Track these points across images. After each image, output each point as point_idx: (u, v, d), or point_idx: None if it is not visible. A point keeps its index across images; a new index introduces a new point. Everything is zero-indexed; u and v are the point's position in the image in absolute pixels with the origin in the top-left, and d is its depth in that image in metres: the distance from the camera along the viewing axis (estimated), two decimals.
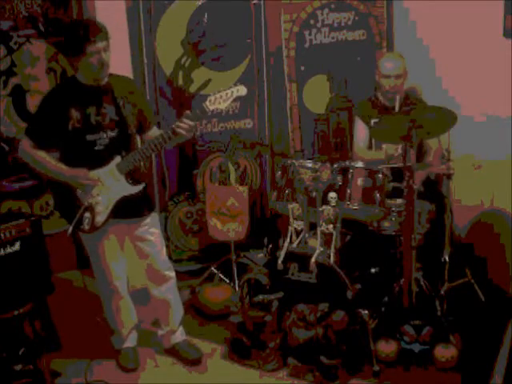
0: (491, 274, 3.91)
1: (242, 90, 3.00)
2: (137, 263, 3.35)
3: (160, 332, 3.52)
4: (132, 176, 3.11)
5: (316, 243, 3.49)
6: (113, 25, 3.51)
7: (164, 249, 3.37)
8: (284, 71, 4.37)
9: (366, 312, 3.28)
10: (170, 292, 3.41)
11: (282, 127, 4.45)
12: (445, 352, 3.22)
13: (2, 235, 3.11)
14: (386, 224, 3.65)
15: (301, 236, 3.57)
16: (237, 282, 4.00)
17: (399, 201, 3.61)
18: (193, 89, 4.14)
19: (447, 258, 3.62)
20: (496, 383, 2.81)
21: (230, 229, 4.07)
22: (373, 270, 3.75)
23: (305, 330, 3.28)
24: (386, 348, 3.27)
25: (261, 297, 3.46)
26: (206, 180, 4.30)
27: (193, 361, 3.43)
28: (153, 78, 4.05)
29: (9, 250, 3.13)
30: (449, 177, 3.56)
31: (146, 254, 3.29)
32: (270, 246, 3.97)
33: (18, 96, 4.13)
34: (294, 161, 3.66)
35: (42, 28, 4.09)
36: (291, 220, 3.57)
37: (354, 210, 3.52)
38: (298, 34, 4.35)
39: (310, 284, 3.44)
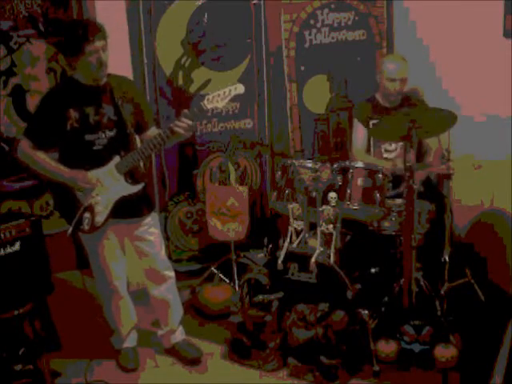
0: (491, 273, 3.91)
1: (239, 89, 2.99)
2: (136, 263, 3.35)
3: (160, 332, 3.52)
4: (131, 176, 3.10)
5: (316, 243, 3.49)
6: (113, 25, 3.52)
7: (163, 249, 3.37)
8: (284, 71, 4.37)
9: (366, 312, 3.28)
10: (169, 292, 3.41)
11: (281, 127, 4.45)
12: (445, 352, 3.22)
13: (2, 235, 3.10)
14: (386, 224, 3.65)
15: (301, 236, 3.56)
16: (237, 281, 4.00)
17: (399, 201, 3.61)
18: (193, 89, 4.14)
19: (447, 258, 3.62)
20: (496, 383, 2.81)
21: (230, 229, 4.07)
22: (373, 270, 3.75)
23: (305, 330, 3.28)
24: (386, 348, 3.27)
25: (261, 297, 3.46)
26: (206, 180, 4.30)
27: (193, 360, 3.44)
28: (153, 78, 4.05)
29: (9, 249, 3.13)
30: (449, 177, 3.56)
31: (146, 254, 3.29)
32: (270, 245, 3.96)
33: (18, 96, 4.13)
34: (294, 161, 3.65)
35: (41, 28, 4.09)
36: (291, 220, 3.57)
37: (354, 210, 3.52)
38: (298, 34, 4.35)
39: (309, 284, 3.43)
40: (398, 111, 3.77)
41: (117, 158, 3.05)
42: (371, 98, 4.10)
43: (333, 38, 4.42)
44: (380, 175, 3.51)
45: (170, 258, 4.14)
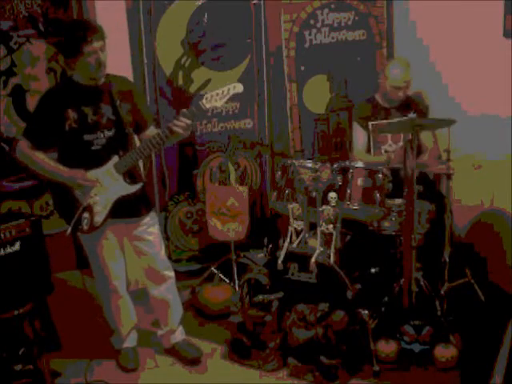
0: (491, 273, 3.91)
1: (238, 88, 2.99)
2: (136, 261, 3.35)
3: (159, 332, 3.52)
4: (130, 176, 3.10)
5: (316, 243, 3.49)
6: (113, 25, 3.53)
7: (163, 248, 3.37)
8: (284, 71, 4.37)
9: (366, 312, 3.28)
10: (169, 292, 3.41)
11: (281, 127, 4.45)
12: (445, 352, 3.22)
13: (2, 235, 3.10)
14: (386, 224, 3.65)
15: (301, 236, 3.56)
16: (237, 281, 4.00)
17: (399, 201, 3.61)
18: (193, 89, 4.14)
19: (447, 258, 3.62)
20: (496, 383, 2.81)
21: (230, 229, 4.07)
22: (373, 270, 3.75)
23: (305, 330, 3.28)
24: (386, 348, 3.27)
25: (261, 297, 3.46)
26: (206, 180, 4.30)
27: (193, 360, 3.44)
28: (153, 78, 4.05)
29: (9, 249, 3.13)
30: (449, 177, 3.56)
31: (145, 254, 3.29)
32: (270, 245, 3.96)
33: (18, 96, 4.13)
34: (294, 161, 3.65)
35: (41, 28, 4.09)
36: (291, 220, 3.57)
37: (354, 210, 3.52)
38: (298, 34, 4.35)
39: (309, 284, 3.43)
40: (405, 119, 3.79)
41: (115, 158, 3.05)
42: (371, 99, 4.10)
43: (333, 38, 4.42)
44: (380, 175, 3.51)
45: (169, 258, 4.14)
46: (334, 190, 3.51)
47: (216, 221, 4.09)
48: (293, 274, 3.51)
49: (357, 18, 4.44)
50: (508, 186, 3.69)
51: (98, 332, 3.58)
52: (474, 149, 3.75)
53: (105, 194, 3.07)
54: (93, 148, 3.04)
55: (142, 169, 3.26)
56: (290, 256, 3.53)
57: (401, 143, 3.97)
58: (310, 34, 4.37)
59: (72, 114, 2.99)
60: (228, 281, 4.07)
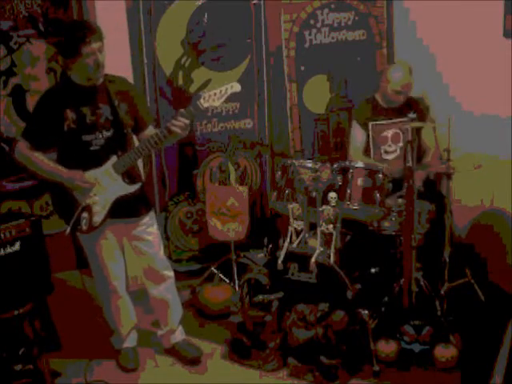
0: (491, 274, 3.91)
1: (236, 87, 2.99)
2: (135, 261, 3.35)
3: (159, 332, 3.52)
4: (129, 176, 3.10)
5: (316, 243, 3.49)
6: (113, 25, 3.54)
7: (162, 248, 3.37)
8: (284, 71, 4.37)
9: (366, 312, 3.28)
10: (168, 292, 3.41)
11: (281, 127, 4.45)
12: (445, 352, 3.22)
13: (2, 235, 3.11)
14: (386, 224, 3.65)
15: (301, 236, 3.56)
16: (237, 281, 4.00)
17: (399, 201, 3.61)
18: (193, 89, 4.14)
19: (447, 258, 3.62)
20: (496, 383, 2.81)
21: (229, 229, 4.07)
22: (373, 270, 3.75)
23: (305, 330, 3.28)
24: (386, 348, 3.27)
25: (261, 297, 3.46)
26: (206, 180, 4.30)
27: (193, 359, 3.44)
28: (153, 78, 4.05)
29: (9, 249, 3.13)
30: (449, 177, 3.56)
31: (144, 254, 3.29)
32: (270, 245, 3.97)
33: (18, 96, 4.13)
34: (294, 161, 3.65)
35: (41, 28, 4.09)
36: (291, 220, 3.57)
37: (354, 210, 3.52)
38: (298, 34, 4.35)
39: (309, 284, 3.43)
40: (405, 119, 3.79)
41: (114, 158, 3.05)
42: (371, 99, 4.10)
43: (333, 38, 4.42)
44: (380, 175, 3.52)
45: (170, 258, 4.15)
46: (334, 190, 3.51)
47: (216, 221, 4.09)
48: (293, 274, 3.51)
49: (357, 18, 4.44)
50: (508, 186, 3.69)
51: (97, 332, 3.58)
52: (474, 149, 3.75)
53: (104, 194, 3.07)
54: (91, 148, 3.04)
55: (141, 169, 3.26)
56: (290, 256, 3.54)
57: (401, 144, 3.97)
58: (309, 34, 4.37)
59: (70, 115, 2.99)
60: (228, 281, 4.07)
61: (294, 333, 3.30)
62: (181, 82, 4.12)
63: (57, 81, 4.14)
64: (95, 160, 3.05)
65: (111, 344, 3.52)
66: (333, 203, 3.50)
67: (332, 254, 3.47)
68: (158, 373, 3.43)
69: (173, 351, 3.50)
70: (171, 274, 3.42)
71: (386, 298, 3.51)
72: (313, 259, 3.43)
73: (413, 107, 3.90)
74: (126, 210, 3.13)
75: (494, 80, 3.72)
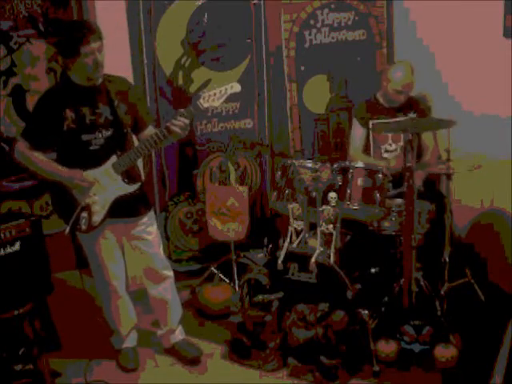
0: (491, 274, 3.91)
1: (235, 87, 2.99)
2: (135, 260, 3.35)
3: (159, 332, 3.52)
4: (128, 175, 3.10)
5: (316, 243, 3.49)
6: (113, 25, 3.54)
7: (161, 248, 3.37)
8: (284, 71, 4.37)
9: (366, 312, 3.28)
10: (168, 291, 3.41)
11: (282, 127, 4.45)
12: (445, 352, 3.22)
13: (2, 235, 3.10)
14: (386, 224, 3.65)
15: (301, 236, 3.56)
16: (237, 282, 4.00)
17: (399, 201, 3.61)
18: (193, 89, 4.14)
19: (447, 258, 3.62)
20: (496, 383, 2.81)
21: (229, 229, 4.07)
22: (373, 270, 3.75)
23: (305, 330, 3.28)
24: (386, 348, 3.27)
25: (261, 297, 3.46)
26: (206, 180, 4.30)
27: (192, 359, 3.43)
28: (153, 78, 4.05)
29: (9, 250, 3.13)
30: (449, 177, 3.56)
31: (144, 253, 3.29)
32: (270, 245, 3.97)
33: (18, 96, 4.13)
34: (294, 161, 3.65)
35: (41, 28, 4.09)
36: (291, 220, 3.57)
37: (354, 209, 3.52)
38: (298, 34, 4.35)
39: (309, 284, 3.43)
40: (405, 118, 3.80)
41: (114, 158, 3.05)
42: (371, 98, 4.10)
43: (333, 38, 4.42)
44: (380, 175, 3.52)
45: (169, 258, 4.15)
46: (334, 190, 3.51)
47: (216, 221, 4.09)
48: (293, 274, 3.51)
49: (357, 18, 4.44)
50: (508, 186, 3.69)
51: (97, 332, 3.58)
52: (474, 149, 3.75)
53: (103, 194, 3.07)
54: (91, 148, 3.05)
55: (141, 169, 3.26)
56: (290, 256, 3.54)
57: (401, 143, 3.97)
58: (310, 34, 4.37)
59: (70, 114, 2.99)
60: (228, 281, 4.07)
61: (294, 333, 3.30)
62: (181, 81, 4.12)
63: (57, 81, 4.13)
64: (95, 160, 3.05)
65: (111, 344, 3.52)
66: (333, 203, 3.50)
67: (332, 254, 3.47)
68: (158, 373, 3.42)
69: (173, 351, 3.50)
70: (171, 273, 3.42)
71: (386, 298, 3.50)
72: (313, 259, 3.43)
73: (413, 107, 3.90)
74: (125, 209, 3.14)
75: (493, 80, 3.72)
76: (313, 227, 3.55)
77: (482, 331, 3.39)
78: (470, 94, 3.85)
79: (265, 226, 4.41)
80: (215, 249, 4.26)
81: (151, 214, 3.31)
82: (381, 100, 4.06)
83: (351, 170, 3.53)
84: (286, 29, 4.31)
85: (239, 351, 3.43)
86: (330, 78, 4.48)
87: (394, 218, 3.62)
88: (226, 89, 2.98)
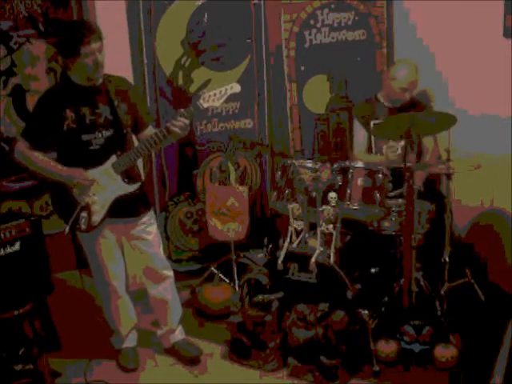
0: (491, 273, 3.91)
1: (235, 88, 3.00)
2: (135, 262, 3.35)
3: (159, 332, 3.52)
4: (128, 175, 3.11)
5: (316, 243, 3.49)
6: (113, 25, 3.54)
7: (161, 248, 3.37)
8: (284, 71, 4.37)
9: (366, 312, 3.28)
10: (168, 291, 3.42)
11: (282, 127, 4.45)
12: (445, 352, 3.22)
13: (2, 235, 3.10)
14: (386, 224, 3.65)
15: (301, 236, 3.56)
16: (237, 282, 4.00)
17: (399, 201, 3.61)
18: (193, 89, 4.14)
19: (447, 258, 3.62)
20: (496, 383, 2.81)
21: (229, 229, 4.07)
22: (373, 270, 3.75)
23: (305, 330, 3.28)
24: (386, 348, 3.27)
25: (261, 297, 3.46)
26: (206, 180, 4.30)
27: (192, 359, 3.44)
28: (153, 78, 4.04)
29: (9, 250, 3.13)
30: (449, 177, 3.56)
31: (143, 253, 3.29)
32: (270, 245, 3.97)
33: (18, 96, 4.13)
34: (294, 161, 3.65)
35: (41, 28, 4.09)
36: (291, 220, 3.57)
37: (354, 210, 3.52)
38: (298, 34, 4.35)
39: (309, 284, 3.44)
40: (403, 114, 3.79)
41: (113, 158, 3.05)
42: (372, 98, 4.10)
43: (333, 38, 4.42)
44: (380, 175, 3.52)
45: (170, 258, 4.15)
46: (334, 190, 3.51)
47: (216, 221, 4.09)
48: (293, 274, 3.51)
49: (357, 18, 4.44)
50: (508, 186, 3.69)
51: (97, 332, 3.58)
52: (474, 149, 3.75)
53: (103, 194, 3.07)
54: (91, 148, 3.05)
55: (141, 169, 3.27)
56: (290, 256, 3.54)
57: (402, 142, 3.96)
58: (310, 34, 4.37)
59: (70, 114, 2.99)
60: (228, 281, 4.07)
61: (294, 333, 3.30)
62: (181, 82, 4.12)
63: (57, 81, 4.13)
64: (95, 160, 3.05)
65: (111, 344, 3.52)
66: (333, 203, 3.50)
67: (332, 254, 3.47)
68: (158, 373, 3.43)
69: (172, 351, 3.50)
70: (171, 273, 3.42)
71: (386, 298, 3.50)
72: (313, 259, 3.43)
73: (416, 107, 3.90)
74: (125, 209, 3.14)
75: (493, 80, 3.72)
76: (313, 227, 3.55)
77: (482, 331, 3.39)
78: (470, 94, 3.85)
79: (265, 225, 4.40)
80: (215, 249, 4.26)
81: (151, 213, 3.31)
82: (382, 100, 4.06)
83: (351, 170, 3.53)
84: (286, 29, 4.31)
85: (239, 351, 3.43)
86: (330, 77, 4.48)
87: (393, 218, 3.62)
88: (226, 89, 2.98)
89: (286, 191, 3.61)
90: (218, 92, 2.97)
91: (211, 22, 4.09)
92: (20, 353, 3.15)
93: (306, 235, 3.56)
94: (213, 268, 4.14)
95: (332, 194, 3.50)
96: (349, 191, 3.51)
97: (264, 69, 4.30)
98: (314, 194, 3.51)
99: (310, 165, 3.59)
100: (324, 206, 3.51)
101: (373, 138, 4.06)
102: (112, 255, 3.27)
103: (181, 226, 4.34)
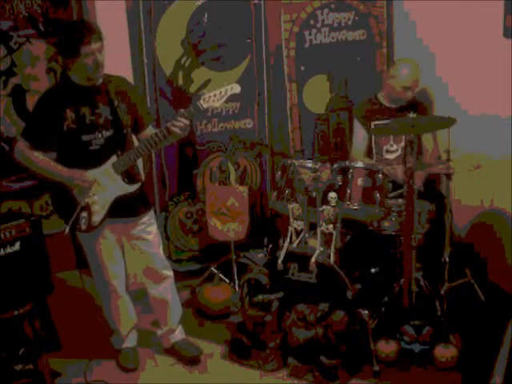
0: (491, 273, 3.91)
1: (235, 88, 3.00)
2: (134, 262, 3.35)
3: (159, 332, 3.53)
4: (128, 175, 3.11)
5: (316, 243, 3.49)
6: (113, 25, 3.54)
7: (161, 248, 3.37)
8: (284, 71, 4.37)
9: (366, 312, 3.28)
10: (168, 291, 3.42)
11: (282, 127, 4.45)
12: (445, 352, 3.22)
13: (2, 235, 3.10)
14: (386, 224, 3.65)
15: (301, 236, 3.56)
16: (237, 282, 4.00)
17: (399, 201, 3.61)
18: (193, 89, 4.14)
19: (447, 258, 3.62)
20: (496, 383, 2.81)
21: (229, 229, 4.07)
22: (373, 270, 3.75)
23: (305, 330, 3.28)
24: (386, 348, 3.27)
25: (261, 297, 3.46)
26: (206, 180, 4.30)
27: (192, 358, 3.44)
28: (153, 78, 4.04)
29: (9, 250, 3.13)
30: (449, 177, 3.56)
31: (143, 253, 3.29)
32: (270, 245, 3.97)
33: (18, 96, 4.13)
34: (294, 161, 3.65)
35: (41, 28, 4.09)
36: (291, 220, 3.57)
37: (354, 210, 3.52)
38: (298, 34, 4.35)
39: (309, 284, 3.43)
40: (405, 118, 3.81)
41: (114, 158, 3.06)
42: (372, 98, 4.10)
43: (333, 38, 4.42)
44: (380, 175, 3.51)
45: (170, 258, 4.15)
46: (334, 190, 3.51)
47: (216, 221, 4.09)
48: (293, 274, 3.50)
49: (357, 18, 4.44)
50: (508, 186, 3.69)
51: (97, 332, 3.58)
52: (474, 149, 3.75)
53: (103, 194, 3.07)
54: (91, 148, 3.05)
55: (141, 169, 3.27)
56: (290, 256, 3.53)
57: (402, 143, 3.97)
58: (310, 34, 4.37)
59: (70, 115, 2.99)
60: (228, 281, 4.07)
61: (294, 333, 3.30)
62: (181, 82, 4.12)
63: (57, 81, 4.13)
64: (95, 160, 3.05)
65: (111, 344, 3.52)
66: (333, 203, 3.50)
67: (332, 254, 3.47)
68: (158, 373, 3.43)
69: (172, 351, 3.50)
70: (171, 273, 3.42)
71: (386, 298, 3.50)
72: (313, 259, 3.43)
73: (416, 107, 3.90)
74: (125, 209, 3.14)
75: (493, 80, 3.72)
76: (313, 227, 3.55)
77: (482, 331, 3.39)
78: (470, 94, 3.85)
79: (265, 225, 4.41)
80: (215, 249, 4.26)
81: (151, 213, 3.31)
82: (382, 100, 4.06)
83: (351, 170, 3.53)
84: (286, 29, 4.31)
85: (239, 351, 3.43)
86: (330, 77, 4.48)
87: (393, 218, 3.62)
88: (227, 90, 2.98)
89: (285, 191, 3.61)
90: (218, 93, 2.98)
91: (211, 22, 4.09)
92: (20, 353, 3.15)
93: (306, 235, 3.56)
94: (213, 268, 4.15)
95: (332, 194, 3.50)
96: (349, 191, 3.51)
97: (264, 69, 4.30)
98: (314, 193, 3.51)
99: (310, 165, 3.59)
100: (324, 206, 3.51)
101: (373, 139, 4.06)
102: (112, 255, 3.28)
103: (181, 226, 4.34)
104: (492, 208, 3.91)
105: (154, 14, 3.96)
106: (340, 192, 3.51)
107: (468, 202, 4.02)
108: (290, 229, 3.58)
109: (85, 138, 3.03)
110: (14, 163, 3.12)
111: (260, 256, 4.09)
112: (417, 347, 3.31)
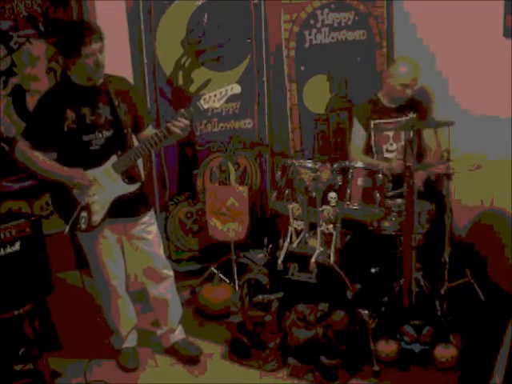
0: (491, 273, 3.91)
1: (236, 89, 3.00)
2: (134, 262, 3.35)
3: (159, 331, 3.53)
4: (128, 175, 3.11)
5: (316, 243, 3.49)
6: (113, 25, 3.53)
7: (161, 248, 3.37)
8: (284, 71, 4.37)
9: (366, 312, 3.28)
10: (168, 291, 3.42)
11: (281, 127, 4.45)
12: (445, 352, 3.22)
13: (2, 235, 3.10)
14: (386, 224, 3.65)
15: (301, 236, 3.56)
16: (237, 281, 4.00)
17: (399, 201, 3.61)
18: (193, 89, 4.14)
19: (447, 258, 3.62)
20: (496, 383, 2.81)
21: (229, 229, 4.07)
22: (373, 270, 3.75)
23: (305, 330, 3.28)
24: (386, 348, 3.27)
25: (261, 297, 3.46)
26: (206, 180, 4.30)
27: (192, 358, 3.44)
28: (153, 78, 4.04)
29: (9, 250, 3.12)
30: (449, 177, 3.56)
31: (144, 253, 3.29)
32: (270, 245, 3.97)
33: (18, 96, 4.13)
34: (294, 161, 3.66)
35: (41, 28, 4.09)
36: (291, 220, 3.57)
37: (354, 209, 3.52)
38: (298, 34, 4.35)
39: (309, 284, 3.44)
40: (405, 120, 3.82)
41: (114, 158, 3.06)
42: (373, 98, 4.10)
43: (333, 38, 4.42)
44: (380, 175, 3.52)
45: (170, 258, 4.14)
46: (334, 190, 3.51)
47: (216, 221, 4.09)
48: (293, 274, 3.51)
49: (357, 18, 4.44)
50: (508, 186, 3.69)
51: (97, 332, 3.58)
52: (474, 149, 3.75)
53: (103, 194, 3.07)
54: (91, 148, 3.05)
55: (141, 168, 3.27)
56: (290, 256, 3.54)
57: (402, 143, 3.97)
58: (310, 34, 4.37)
59: (70, 115, 3.00)
60: (228, 281, 4.07)
61: (294, 333, 3.30)
62: (181, 82, 4.12)
63: (57, 81, 4.13)
64: (95, 160, 3.05)
65: (111, 344, 3.52)
66: (333, 203, 3.50)
67: (332, 254, 3.47)
68: (157, 373, 3.43)
69: (172, 350, 3.50)
70: (171, 273, 3.42)
71: (386, 298, 3.51)
72: (313, 259, 3.43)
73: (416, 107, 3.90)
74: (125, 209, 3.14)
75: (494, 80, 3.72)
76: (313, 227, 3.55)
77: (482, 331, 3.39)
78: (470, 94, 3.85)
79: (265, 226, 4.41)
80: (215, 249, 4.26)
81: (151, 213, 3.32)
82: (382, 99, 4.06)
83: (351, 170, 3.53)
84: (286, 29, 4.31)
85: (239, 351, 3.43)
86: (330, 77, 4.48)
87: (393, 218, 3.62)
88: (227, 90, 2.99)
89: (285, 191, 3.61)
90: (219, 93, 2.98)
91: (211, 22, 4.09)
92: (20, 353, 3.15)
93: (306, 235, 3.56)
94: (213, 268, 4.15)
95: (332, 194, 3.50)
96: (349, 191, 3.51)
97: (264, 69, 4.30)
98: (314, 193, 3.51)
99: (309, 165, 3.59)
100: (324, 206, 3.51)
101: (372, 138, 4.06)
102: (112, 255, 3.28)
103: (181, 225, 4.34)
104: (492, 208, 3.91)
105: (154, 14, 3.96)
106: (340, 192, 3.51)
107: (468, 202, 4.02)
108: (290, 229, 3.58)
109: (85, 138, 3.03)
110: (14, 163, 3.12)
111: (260, 256, 4.09)
112: (417, 347, 3.31)
